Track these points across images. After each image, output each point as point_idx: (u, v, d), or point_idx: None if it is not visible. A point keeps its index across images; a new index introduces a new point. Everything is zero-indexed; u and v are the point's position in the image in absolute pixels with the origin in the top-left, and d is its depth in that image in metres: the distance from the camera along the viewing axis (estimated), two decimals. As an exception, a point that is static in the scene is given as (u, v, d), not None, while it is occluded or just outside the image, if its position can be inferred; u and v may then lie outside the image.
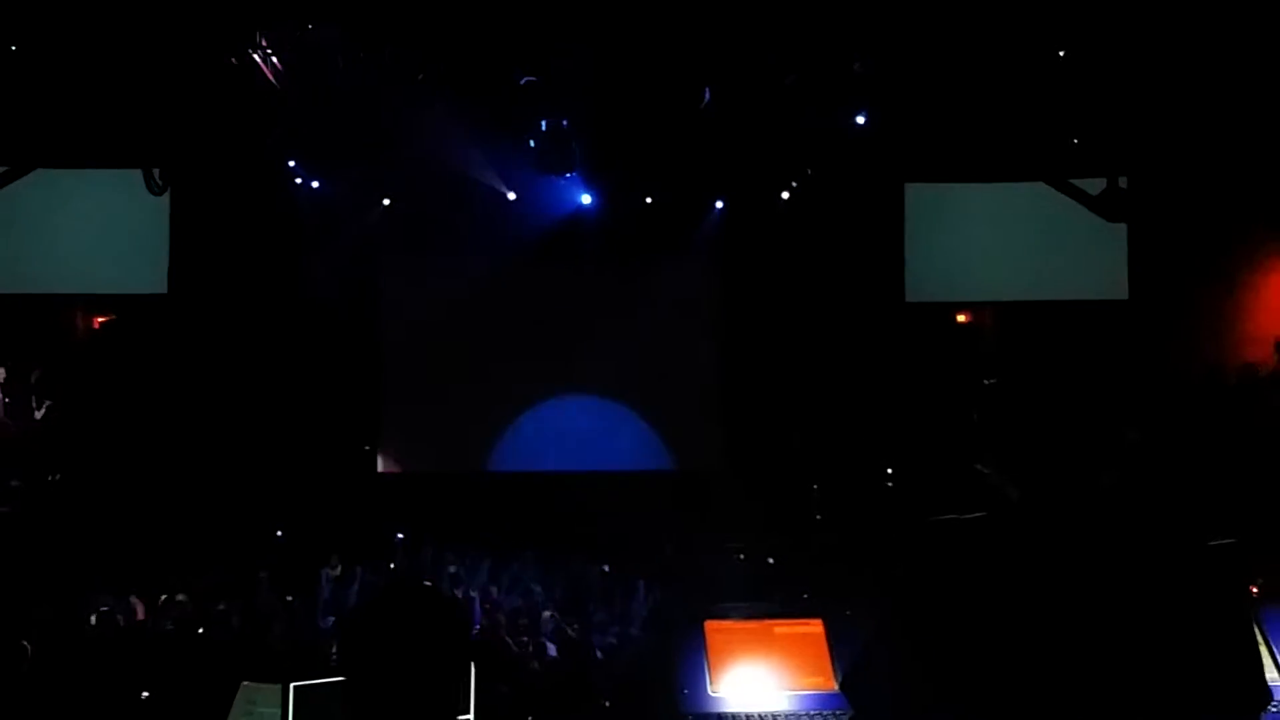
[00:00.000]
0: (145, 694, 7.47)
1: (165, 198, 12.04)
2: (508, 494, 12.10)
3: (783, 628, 5.62)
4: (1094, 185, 12.14)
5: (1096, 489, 4.25)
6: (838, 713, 5.24)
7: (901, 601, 4.56)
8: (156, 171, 11.84)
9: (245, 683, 5.59)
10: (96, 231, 12.34)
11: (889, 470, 11.88)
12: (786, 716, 5.30)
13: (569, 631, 8.55)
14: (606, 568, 10.37)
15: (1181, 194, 12.01)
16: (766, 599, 7.23)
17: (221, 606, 8.92)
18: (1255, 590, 5.92)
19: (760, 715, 5.32)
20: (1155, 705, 3.90)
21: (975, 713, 4.13)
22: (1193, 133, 11.42)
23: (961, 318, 13.10)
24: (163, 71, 10.48)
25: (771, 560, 10.34)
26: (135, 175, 11.90)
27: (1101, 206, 12.17)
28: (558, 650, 8.03)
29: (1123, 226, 12.37)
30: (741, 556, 10.65)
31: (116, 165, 11.99)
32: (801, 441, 12.06)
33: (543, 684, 7.11)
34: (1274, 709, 5.08)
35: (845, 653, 5.40)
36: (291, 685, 5.39)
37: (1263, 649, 5.43)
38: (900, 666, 4.27)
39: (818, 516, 11.47)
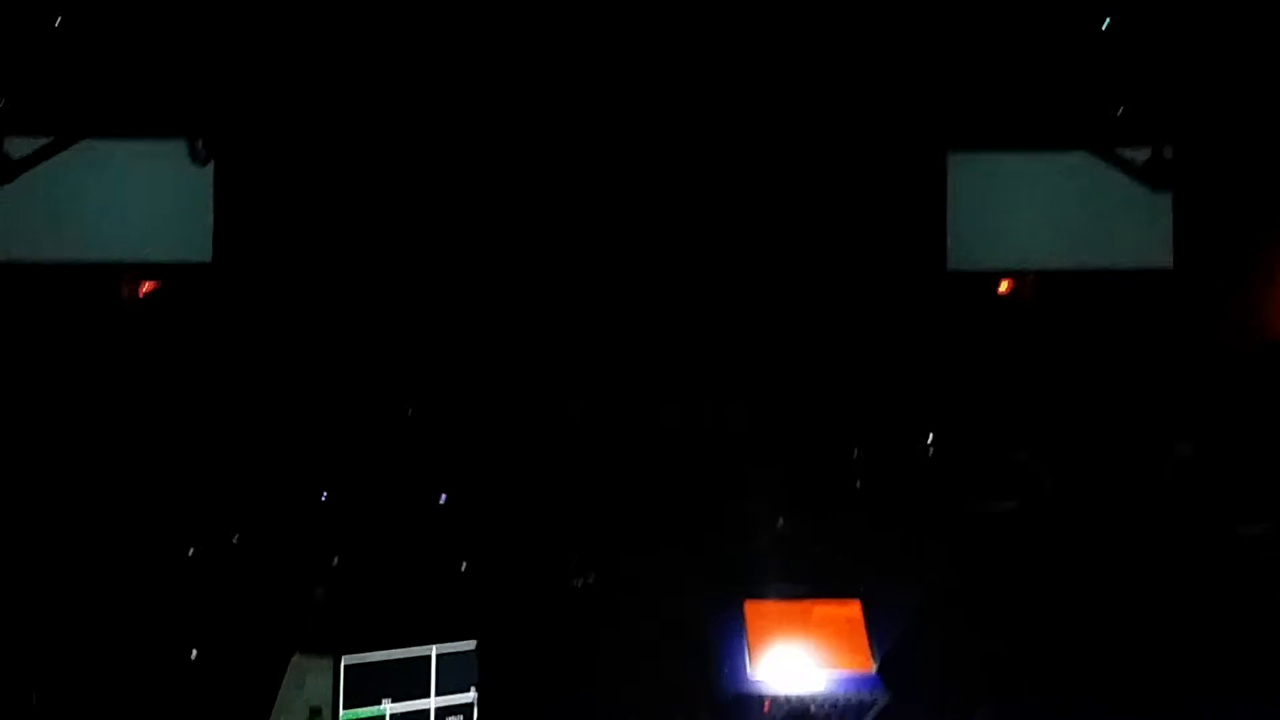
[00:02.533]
0: (194, 653, 7.63)
1: (209, 168, 12.12)
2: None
3: (821, 609, 5.72)
4: (1139, 154, 12.07)
5: (1158, 479, 4.28)
6: (874, 694, 5.32)
7: (939, 588, 4.62)
8: (201, 141, 11.92)
9: (297, 655, 5.73)
10: (142, 201, 12.45)
11: (929, 437, 11.88)
12: (824, 698, 5.40)
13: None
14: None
15: (1227, 163, 11.91)
16: (805, 574, 7.31)
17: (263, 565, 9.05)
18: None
19: (798, 696, 5.42)
20: (1190, 691, 3.95)
21: (1010, 699, 4.20)
22: (1239, 101, 11.32)
23: (1003, 286, 13.05)
24: (209, 41, 10.57)
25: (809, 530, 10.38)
26: (180, 145, 11.99)
27: (1147, 175, 12.10)
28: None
29: (1168, 195, 12.29)
30: (781, 523, 10.70)
31: (161, 135, 12.07)
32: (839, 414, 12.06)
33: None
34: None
35: (883, 635, 5.48)
36: (343, 660, 5.54)
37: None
38: (937, 653, 4.34)
39: (858, 484, 11.49)
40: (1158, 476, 4.15)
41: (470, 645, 5.53)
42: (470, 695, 5.52)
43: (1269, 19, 10.62)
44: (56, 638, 7.15)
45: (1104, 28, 10.99)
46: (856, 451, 11.52)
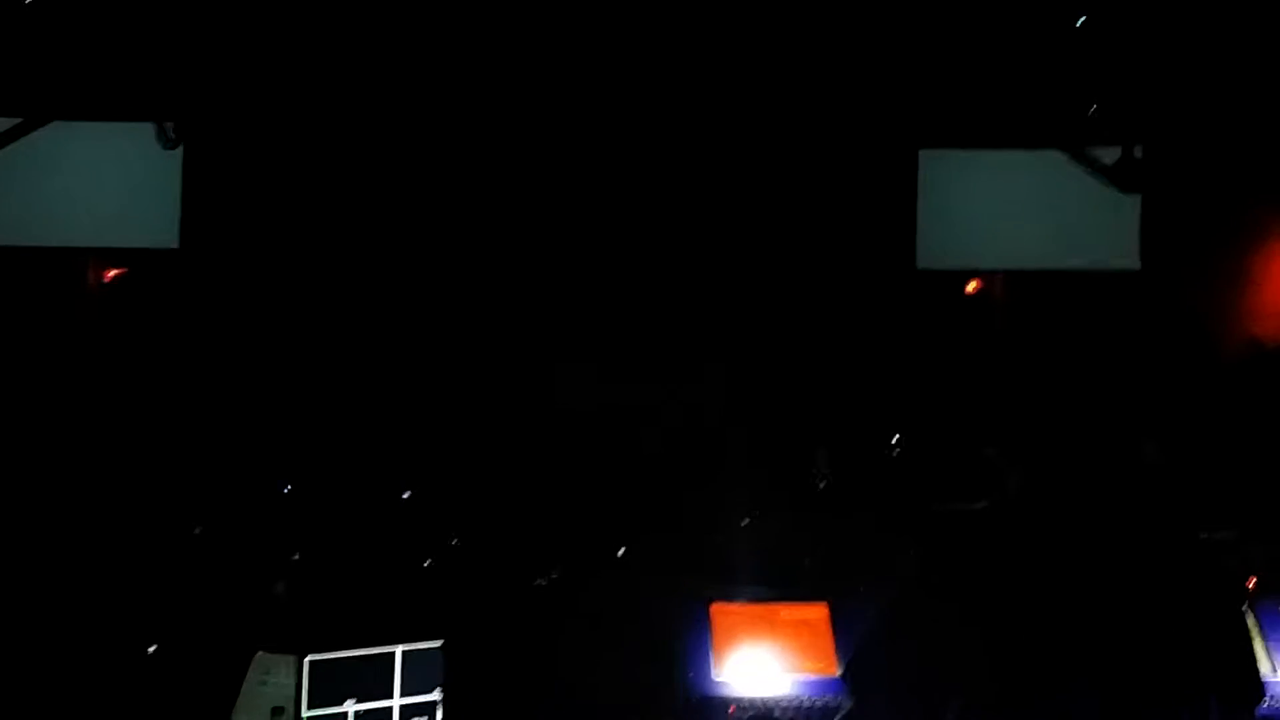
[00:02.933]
0: (152, 648, 7.56)
1: (178, 153, 12.02)
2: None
3: (788, 612, 5.71)
4: (1110, 155, 12.11)
5: (1123, 481, 4.30)
6: (839, 698, 5.32)
7: (904, 592, 4.63)
8: (169, 126, 11.83)
9: (260, 652, 5.69)
10: (109, 185, 12.35)
11: (895, 437, 11.92)
12: (788, 701, 5.40)
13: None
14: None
15: (1197, 165, 11.97)
16: (770, 575, 7.32)
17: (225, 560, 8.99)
18: (1252, 584, 5.98)
19: (763, 700, 5.42)
20: (1152, 698, 3.97)
21: (972, 703, 4.21)
22: (1210, 103, 11.37)
23: (972, 285, 13.10)
24: (178, 23, 10.48)
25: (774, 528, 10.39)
26: (148, 129, 11.89)
27: (1117, 176, 12.15)
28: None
29: (1137, 196, 12.34)
30: (745, 522, 10.70)
31: (129, 118, 11.96)
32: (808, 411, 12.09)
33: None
34: (1269, 703, 5.16)
35: (848, 638, 5.49)
36: (307, 658, 5.51)
37: (1258, 643, 5.51)
38: (900, 657, 4.34)
39: (822, 484, 11.51)
40: (1123, 477, 4.18)
41: (435, 644, 5.49)
42: (435, 695, 5.49)
43: (1241, 23, 10.68)
44: (12, 631, 7.08)
45: (1078, 26, 11.02)
46: (822, 450, 11.55)
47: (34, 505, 9.94)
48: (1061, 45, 11.07)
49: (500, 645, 6.12)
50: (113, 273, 12.67)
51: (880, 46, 11.17)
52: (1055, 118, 12.07)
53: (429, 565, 9.20)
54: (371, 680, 5.62)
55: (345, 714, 5.55)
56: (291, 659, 5.44)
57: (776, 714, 5.29)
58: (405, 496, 11.28)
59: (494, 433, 12.21)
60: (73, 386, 11.85)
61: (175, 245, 12.33)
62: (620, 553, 9.82)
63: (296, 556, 9.16)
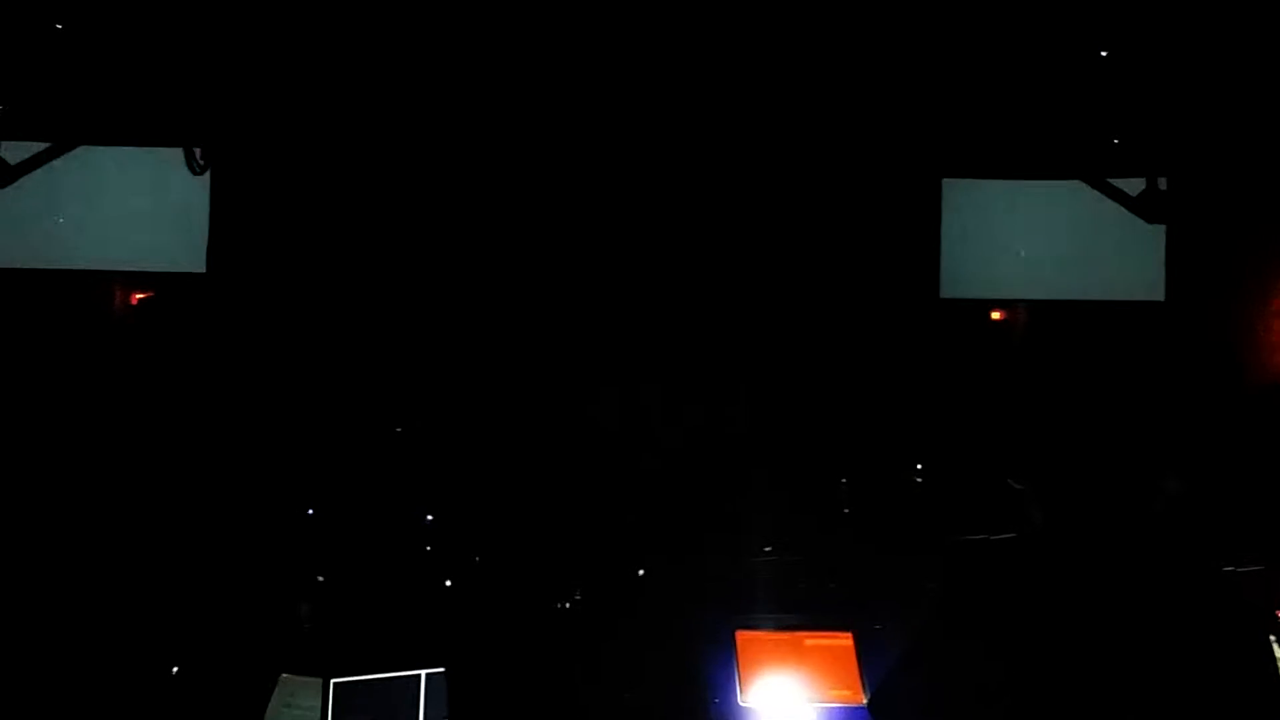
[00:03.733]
0: (175, 669, 7.60)
1: (206, 177, 12.13)
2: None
3: (813, 640, 5.70)
4: (1133, 186, 12.12)
5: (1147, 513, 4.29)
6: (865, 727, 5.30)
7: (931, 622, 4.61)
8: (198, 151, 11.93)
9: (285, 675, 5.71)
10: (137, 210, 12.47)
11: (918, 466, 11.89)
12: (813, 729, 5.39)
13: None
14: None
15: (1221, 197, 11.97)
16: (795, 603, 7.31)
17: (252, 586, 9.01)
18: (1280, 614, 5.96)
19: (788, 727, 5.41)
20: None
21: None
22: (1234, 135, 11.36)
23: (996, 315, 13.11)
24: (206, 50, 10.57)
25: (798, 559, 10.37)
26: (177, 154, 12.00)
27: (1140, 207, 12.16)
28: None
29: (1161, 228, 12.35)
30: (768, 550, 10.68)
31: (158, 143, 12.08)
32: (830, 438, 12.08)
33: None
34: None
35: (874, 668, 5.48)
36: (332, 681, 5.53)
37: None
38: (927, 690, 4.33)
39: (845, 511, 11.48)
40: (1147, 509, 4.17)
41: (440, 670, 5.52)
42: None
43: (1266, 55, 10.67)
44: (34, 652, 7.11)
45: (1102, 56, 11.02)
46: (844, 479, 11.53)
47: (59, 525, 9.99)
48: (1085, 75, 11.07)
49: (517, 670, 6.12)
50: (140, 296, 12.79)
51: (904, 75, 11.19)
52: (1079, 148, 12.07)
53: (450, 586, 9.20)
54: (396, 703, 5.64)
55: (369, 736, 5.57)
56: (316, 682, 5.46)
57: (801, 742, 5.29)
58: (429, 519, 11.30)
59: (517, 454, 12.24)
60: (99, 408, 11.92)
61: (202, 269, 12.45)
62: (640, 574, 9.81)
63: (321, 579, 9.18)
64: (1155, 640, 4.03)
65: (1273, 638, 5.08)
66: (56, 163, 11.86)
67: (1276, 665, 4.79)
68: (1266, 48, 10.49)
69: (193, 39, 10.49)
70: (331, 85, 11.17)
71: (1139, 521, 4.38)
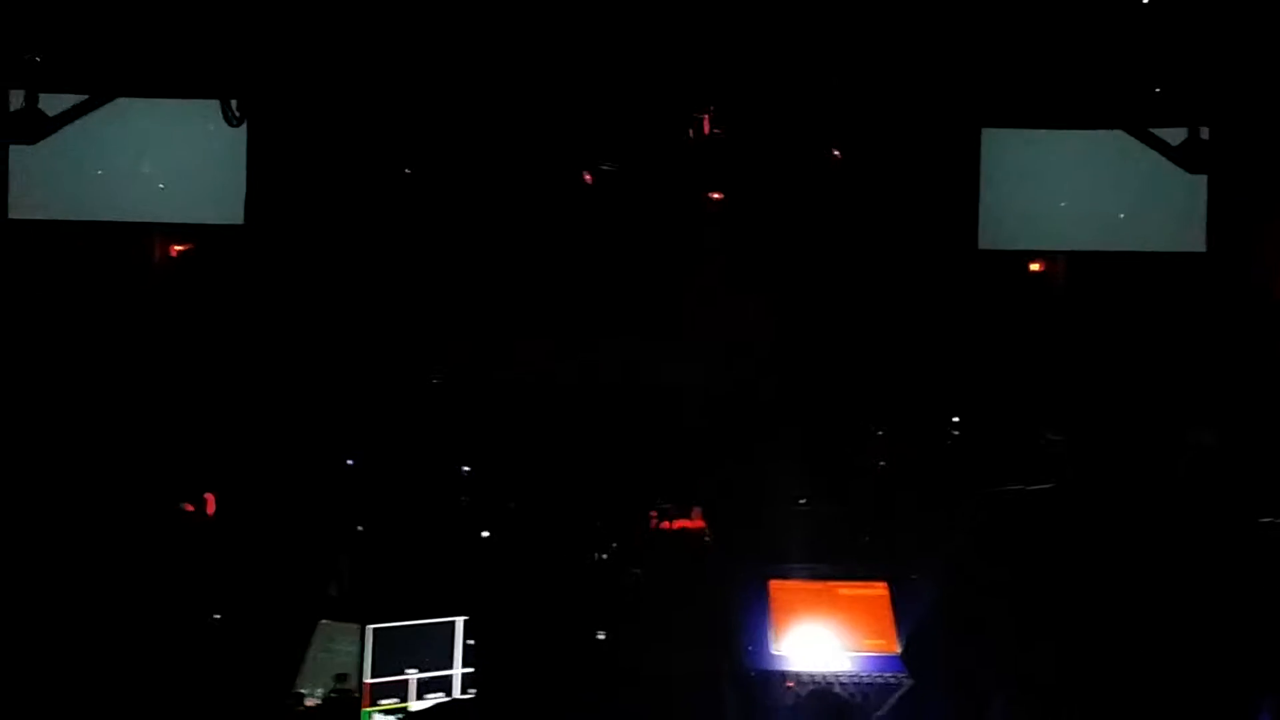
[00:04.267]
0: (217, 616, 7.70)
1: (243, 129, 12.13)
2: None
3: (847, 589, 5.70)
4: (1175, 135, 11.95)
5: (1183, 465, 4.27)
6: (898, 676, 5.32)
7: (964, 572, 4.62)
8: (234, 103, 11.92)
9: (323, 620, 5.78)
10: (174, 161, 12.50)
11: (955, 419, 11.87)
12: (848, 677, 5.40)
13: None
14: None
15: (1264, 146, 11.79)
16: (829, 554, 7.33)
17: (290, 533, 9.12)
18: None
19: (822, 675, 5.43)
20: (1204, 682, 3.95)
21: (1030, 685, 4.20)
22: (1276, 84, 11.18)
23: (1035, 266, 13.00)
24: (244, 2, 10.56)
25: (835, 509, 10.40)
26: (213, 106, 11.99)
27: (1182, 157, 11.99)
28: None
29: (1202, 178, 12.19)
30: (803, 502, 10.71)
31: (195, 95, 12.09)
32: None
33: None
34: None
35: (909, 618, 5.48)
36: (369, 627, 5.59)
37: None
38: (959, 637, 4.34)
39: (881, 463, 11.49)
40: (1183, 463, 4.16)
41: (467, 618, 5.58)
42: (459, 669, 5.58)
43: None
44: (80, 597, 7.23)
45: (1144, 3, 10.85)
46: (880, 431, 11.53)
47: (101, 474, 10.12)
48: (1127, 24, 10.90)
49: (550, 619, 6.17)
50: (179, 248, 12.85)
51: (944, 24, 11.05)
52: (1120, 97, 11.91)
53: (487, 536, 9.29)
54: (434, 649, 5.70)
55: (407, 681, 5.63)
56: (355, 627, 5.53)
57: (835, 690, 5.30)
58: (465, 470, 11.38)
59: (552, 408, 12.29)
60: (139, 359, 12.02)
61: (240, 221, 12.48)
62: (671, 524, 9.86)
63: (360, 528, 9.28)
64: (1188, 592, 4.02)
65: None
66: (94, 115, 11.88)
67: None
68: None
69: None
70: (368, 37, 11.14)
71: (1174, 473, 4.36)
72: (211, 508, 9.96)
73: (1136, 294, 12.19)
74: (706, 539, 10.32)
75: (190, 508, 9.79)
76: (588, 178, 12.73)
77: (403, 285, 12.68)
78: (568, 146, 12.55)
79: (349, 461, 11.55)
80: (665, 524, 10.63)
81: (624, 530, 10.28)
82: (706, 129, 12.42)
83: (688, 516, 10.60)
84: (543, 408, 12.61)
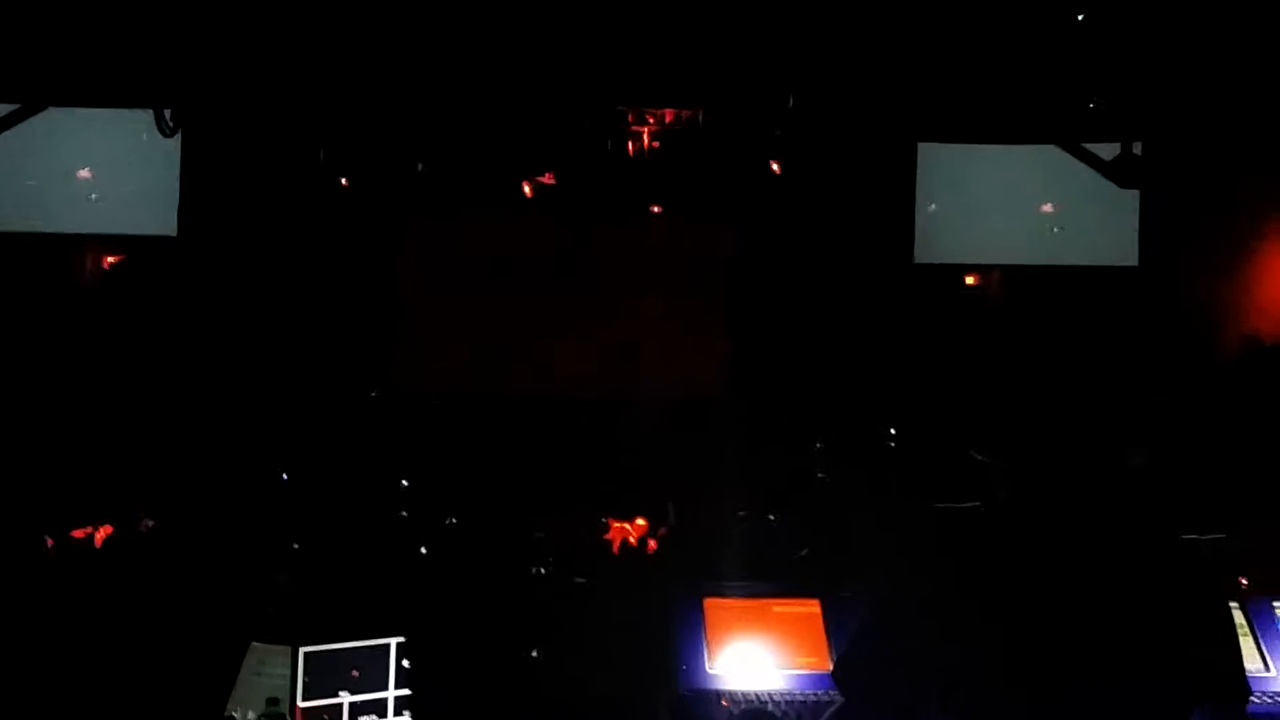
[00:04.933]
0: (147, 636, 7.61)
1: (176, 140, 12.02)
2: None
3: (781, 607, 5.72)
4: (1108, 150, 12.11)
5: (1111, 483, 4.31)
6: (831, 694, 5.34)
7: (893, 589, 4.63)
8: (168, 113, 11.82)
9: (254, 643, 5.70)
10: (107, 172, 12.37)
11: (892, 431, 11.95)
12: (781, 695, 5.43)
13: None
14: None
15: (1196, 161, 11.98)
16: (765, 569, 7.36)
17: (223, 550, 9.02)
18: (1244, 583, 6.02)
19: (756, 694, 5.44)
20: (1140, 696, 3.99)
21: (960, 703, 4.23)
22: (1209, 100, 11.36)
23: (970, 280, 13.13)
24: (178, 9, 10.46)
25: (772, 518, 10.43)
26: (147, 115, 11.89)
27: (1115, 172, 12.16)
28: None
29: (1135, 193, 12.37)
30: (741, 514, 10.73)
31: (128, 105, 11.97)
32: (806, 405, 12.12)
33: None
34: (1256, 699, 5.20)
35: (841, 635, 5.51)
36: (302, 650, 5.52)
37: (1249, 640, 5.54)
38: (886, 658, 4.36)
39: (820, 476, 11.54)
40: (1114, 477, 4.23)
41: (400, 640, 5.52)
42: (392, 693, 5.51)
43: (1241, 17, 10.66)
44: (9, 623, 7.11)
45: (1078, 20, 11.00)
46: (819, 444, 11.58)
47: (29, 493, 9.95)
48: (1061, 40, 11.04)
49: (482, 639, 6.14)
50: (111, 260, 12.70)
51: (878, 39, 11.14)
52: (1054, 112, 12.06)
53: (425, 553, 9.23)
54: (367, 672, 5.64)
55: (340, 705, 5.57)
56: (286, 650, 5.46)
57: (769, 708, 5.32)
58: (404, 484, 11.32)
59: (488, 420, 12.26)
60: (69, 374, 11.86)
61: (174, 233, 12.36)
62: (611, 539, 9.87)
63: (296, 546, 9.20)
64: (1116, 606, 4.06)
65: (1233, 604, 5.14)
66: (25, 124, 11.73)
67: (1235, 630, 4.85)
68: (1241, 11, 10.50)
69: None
70: (303, 46, 11.07)
71: (1103, 491, 4.40)
72: (100, 539, 9.70)
73: (1070, 307, 12.36)
74: (649, 552, 10.33)
75: (80, 534, 9.57)
76: (527, 190, 12.73)
77: (338, 296, 12.60)
78: (505, 156, 12.53)
79: (284, 477, 11.45)
80: (607, 534, 10.63)
81: (566, 542, 10.26)
82: (646, 143, 12.48)
83: (629, 527, 10.62)
84: (482, 419, 12.57)
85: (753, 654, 5.60)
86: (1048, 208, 12.86)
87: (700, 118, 12.29)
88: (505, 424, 12.46)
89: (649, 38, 10.76)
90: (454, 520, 10.60)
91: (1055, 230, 12.80)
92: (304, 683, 5.40)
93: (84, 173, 12.30)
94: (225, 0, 10.59)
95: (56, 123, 12.03)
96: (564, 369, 12.67)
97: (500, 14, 10.58)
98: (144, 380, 11.94)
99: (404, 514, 10.72)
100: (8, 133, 11.73)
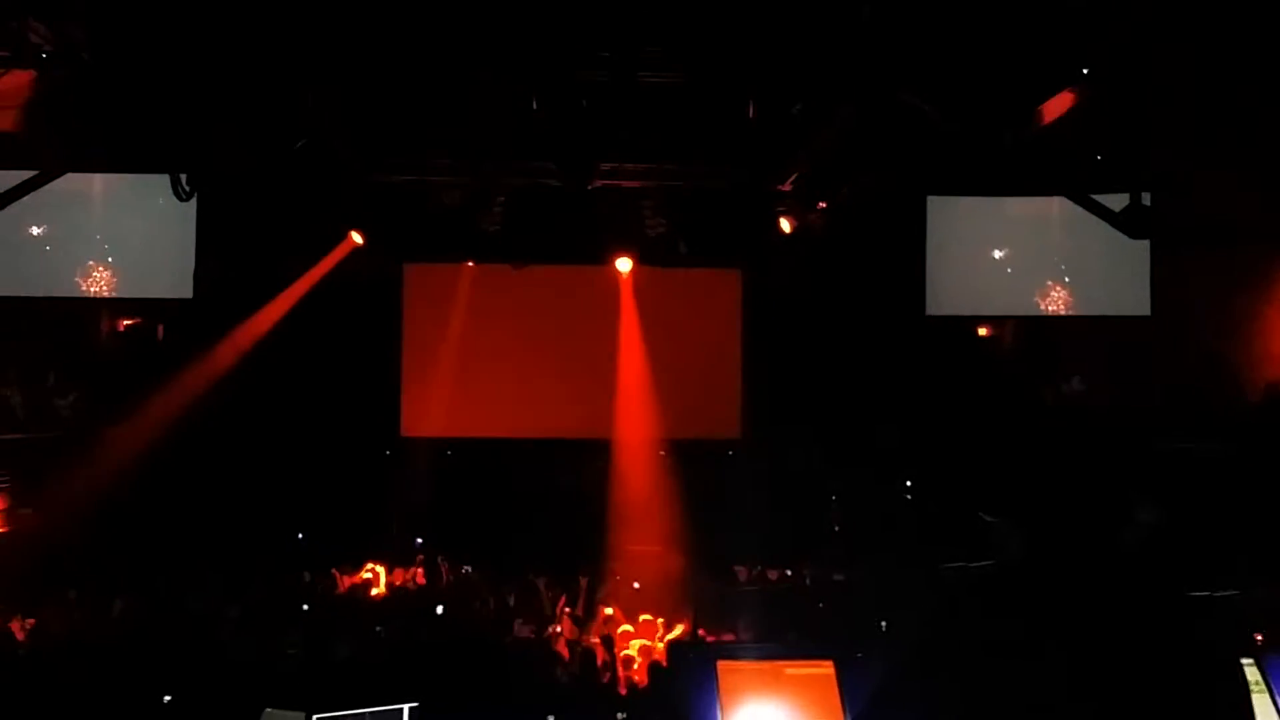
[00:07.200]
0: (168, 698, 7.60)
1: (192, 203, 12.11)
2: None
3: (794, 669, 5.69)
4: (1117, 201, 12.11)
5: (1117, 547, 4.29)
6: (846, 755, 5.31)
7: (910, 650, 4.62)
8: (184, 177, 11.92)
9: (268, 710, 5.69)
10: (124, 236, 12.48)
11: (908, 483, 11.92)
12: (795, 758, 5.39)
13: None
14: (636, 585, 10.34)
15: (1205, 211, 11.99)
16: (778, 629, 7.33)
17: (235, 613, 9.03)
18: (1260, 639, 5.98)
19: (771, 758, 5.41)
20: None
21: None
22: (1217, 150, 11.38)
23: (982, 331, 13.14)
24: (191, 78, 10.56)
25: (789, 572, 10.40)
26: (163, 180, 11.99)
27: (1124, 223, 12.14)
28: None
29: (1145, 243, 12.37)
30: (757, 569, 10.69)
31: (144, 170, 12.09)
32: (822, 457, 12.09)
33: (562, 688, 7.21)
34: (1270, 757, 5.15)
35: (856, 696, 5.49)
36: (315, 717, 5.51)
37: (1265, 696, 5.51)
38: (906, 714, 4.33)
39: (835, 529, 11.52)
40: (1121, 540, 4.21)
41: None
42: None
43: (1248, 72, 10.69)
44: (30, 680, 7.12)
45: (1085, 71, 11.04)
46: (835, 496, 11.56)
47: (54, 556, 10.00)
48: (1069, 92, 11.07)
49: (495, 708, 6.12)
50: (127, 322, 12.79)
51: (890, 91, 11.19)
52: (1063, 165, 12.09)
53: (441, 612, 9.22)
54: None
55: (351, 771, 5.57)
56: (299, 716, 5.47)
57: (784, 771, 5.30)
58: (418, 543, 11.33)
59: (509, 470, 12.25)
60: (90, 433, 11.91)
61: (189, 295, 12.45)
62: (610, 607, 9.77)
63: (306, 607, 9.20)
64: (1128, 666, 4.05)
65: (1245, 660, 5.11)
66: (43, 190, 11.84)
67: (1247, 687, 4.82)
68: (1246, 63, 10.52)
69: (178, 66, 10.48)
70: (314, 112, 11.17)
71: (1113, 550, 4.39)
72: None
73: (1083, 356, 12.35)
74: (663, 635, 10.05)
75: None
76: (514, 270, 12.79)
77: (356, 356, 12.66)
78: (487, 204, 12.57)
79: (299, 537, 11.48)
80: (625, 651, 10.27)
81: (585, 604, 10.23)
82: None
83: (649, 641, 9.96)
84: (499, 470, 12.59)
85: (766, 716, 5.58)
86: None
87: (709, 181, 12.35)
88: (523, 473, 12.49)
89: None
90: (468, 570, 10.60)
91: (1066, 281, 12.81)
92: (316, 749, 5.40)
93: (95, 241, 12.37)
94: (237, 67, 10.69)
95: (74, 188, 12.14)
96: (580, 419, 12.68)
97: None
98: (164, 440, 11.98)
99: (417, 575, 10.74)
100: (26, 198, 11.84)
